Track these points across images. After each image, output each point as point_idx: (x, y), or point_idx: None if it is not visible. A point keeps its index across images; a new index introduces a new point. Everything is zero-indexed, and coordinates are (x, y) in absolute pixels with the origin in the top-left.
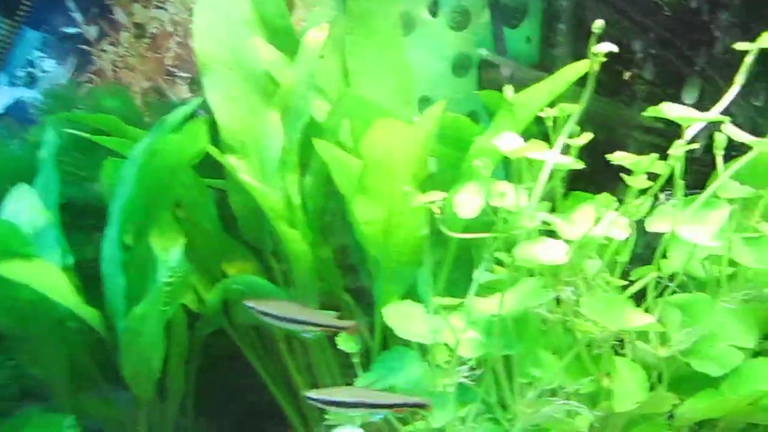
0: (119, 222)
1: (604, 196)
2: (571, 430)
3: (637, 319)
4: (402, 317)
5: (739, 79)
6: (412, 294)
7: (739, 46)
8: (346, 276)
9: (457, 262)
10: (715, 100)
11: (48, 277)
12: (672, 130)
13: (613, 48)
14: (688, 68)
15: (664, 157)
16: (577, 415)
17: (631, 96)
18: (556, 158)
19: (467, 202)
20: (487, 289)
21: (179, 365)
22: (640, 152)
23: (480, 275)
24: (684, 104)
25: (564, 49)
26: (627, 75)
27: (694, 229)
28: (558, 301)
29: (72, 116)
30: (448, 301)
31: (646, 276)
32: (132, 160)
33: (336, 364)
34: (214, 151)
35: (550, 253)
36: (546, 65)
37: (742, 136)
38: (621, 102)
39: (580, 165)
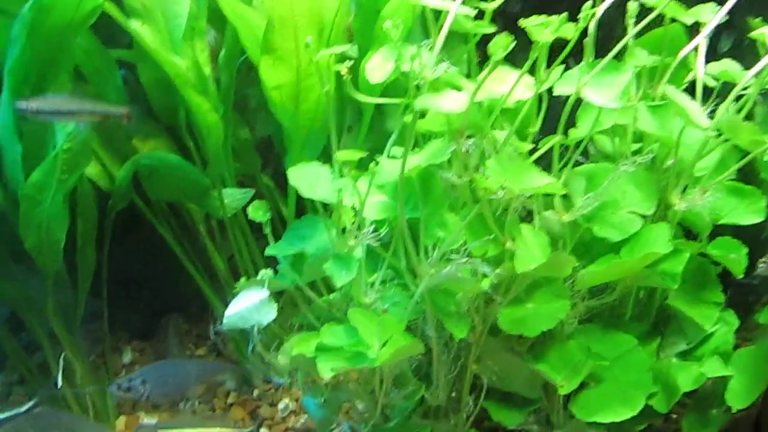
0: (11, 86)
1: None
2: (474, 290)
3: (540, 180)
4: (306, 177)
5: None
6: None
7: None
8: (267, 162)
9: (371, 130)
10: None
11: None
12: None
13: None
14: None
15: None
16: (481, 276)
17: None
18: (457, 7)
19: (378, 67)
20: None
21: (89, 243)
22: None
23: (392, 141)
24: None
25: None
26: None
27: (598, 91)
28: (466, 167)
29: None
30: (348, 155)
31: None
32: (21, 18)
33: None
34: (114, 11)
35: (452, 103)
36: None
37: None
38: None
39: (489, 28)
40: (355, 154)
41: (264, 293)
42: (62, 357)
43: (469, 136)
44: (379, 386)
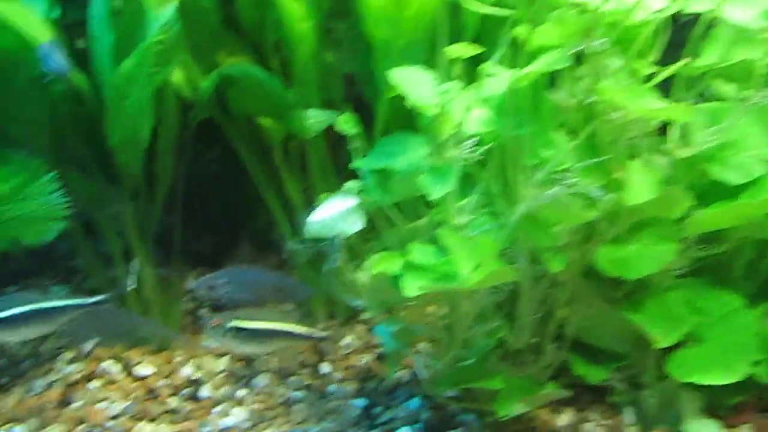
0: None
1: None
2: (579, 219)
3: (658, 104)
4: (411, 79)
5: None
6: None
7: None
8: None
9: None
10: None
11: (32, 24)
12: None
13: None
14: None
15: None
16: (585, 202)
17: None
18: None
19: None
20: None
21: (169, 152)
22: None
23: (499, 54)
24: None
25: None
26: None
27: (740, 7)
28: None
29: None
30: (460, 50)
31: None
32: None
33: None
34: None
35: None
36: None
37: None
38: None
39: None
40: (467, 50)
41: (351, 201)
42: (135, 261)
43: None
44: (461, 319)
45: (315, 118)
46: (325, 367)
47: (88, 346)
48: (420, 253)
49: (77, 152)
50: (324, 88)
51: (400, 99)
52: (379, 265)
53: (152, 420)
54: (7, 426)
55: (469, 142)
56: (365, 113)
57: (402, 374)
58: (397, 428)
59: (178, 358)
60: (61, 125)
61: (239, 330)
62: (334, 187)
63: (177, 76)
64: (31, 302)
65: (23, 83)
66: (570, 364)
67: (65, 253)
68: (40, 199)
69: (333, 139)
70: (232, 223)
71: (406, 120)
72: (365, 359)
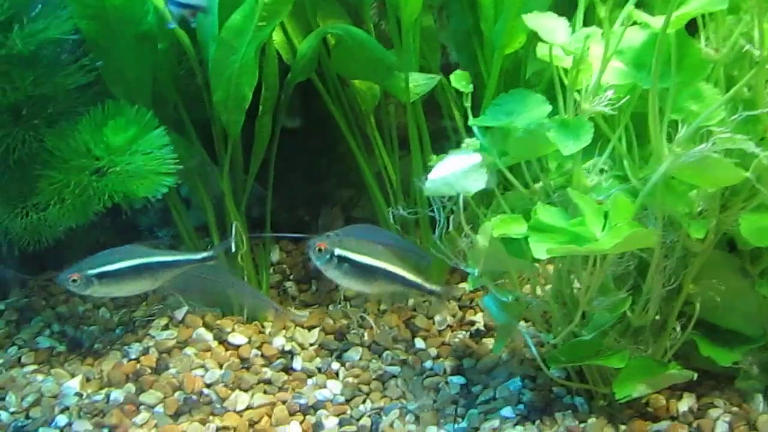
0: None
1: None
2: (726, 179)
3: None
4: (545, 22)
5: None
6: None
7: None
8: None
9: None
10: None
11: None
12: None
13: None
14: None
15: None
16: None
17: None
18: None
19: None
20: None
21: (268, 113)
22: None
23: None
24: None
25: None
26: None
27: None
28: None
29: None
30: None
31: None
32: None
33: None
34: None
35: None
36: None
37: None
38: None
39: None
40: None
41: (475, 158)
42: (234, 225)
43: None
44: (584, 289)
45: (416, 82)
46: (419, 343)
47: (180, 313)
48: (548, 214)
49: (177, 114)
50: (422, 50)
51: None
52: (500, 227)
53: (247, 389)
54: (105, 390)
55: (606, 94)
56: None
57: (501, 353)
58: (499, 408)
59: (269, 329)
60: (162, 86)
61: (345, 260)
62: (429, 154)
63: (276, 38)
64: (139, 256)
65: (128, 41)
66: (694, 345)
67: (153, 222)
68: (151, 153)
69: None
70: (317, 195)
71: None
72: (460, 336)
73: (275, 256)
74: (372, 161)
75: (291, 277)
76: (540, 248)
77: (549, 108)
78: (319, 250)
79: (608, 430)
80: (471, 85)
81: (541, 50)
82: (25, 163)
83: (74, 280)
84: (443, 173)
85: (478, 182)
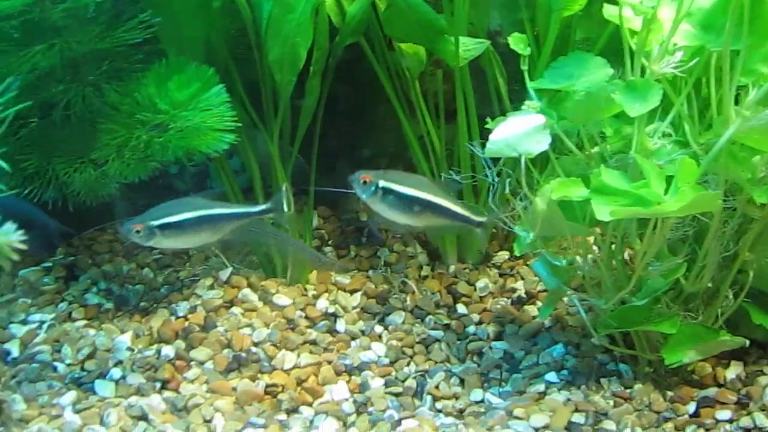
0: None
1: None
2: None
3: None
4: None
5: None
6: None
7: None
8: None
9: None
10: None
11: None
12: None
13: None
14: None
15: None
16: None
17: None
18: None
19: None
20: None
21: (317, 74)
22: None
23: None
24: None
25: None
26: None
27: None
28: None
29: None
30: None
31: None
32: None
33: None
34: None
35: None
36: None
37: None
38: None
39: None
40: None
41: (539, 119)
42: (285, 186)
43: None
44: (641, 254)
45: (466, 46)
46: (461, 309)
47: (225, 274)
48: (611, 176)
49: (227, 75)
50: (469, 18)
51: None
52: (560, 190)
53: (293, 349)
54: (156, 346)
55: (676, 56)
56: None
57: (543, 320)
58: (543, 374)
59: (312, 292)
60: (214, 46)
61: (390, 192)
62: (473, 121)
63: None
64: (200, 208)
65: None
66: (743, 313)
67: (189, 187)
68: (210, 109)
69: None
70: (354, 162)
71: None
72: (501, 303)
73: (314, 222)
74: (415, 127)
75: (329, 242)
76: (603, 210)
77: (611, 71)
78: (364, 182)
79: (655, 396)
80: (528, 48)
81: (609, 11)
82: (86, 119)
83: (137, 231)
84: (505, 134)
85: (541, 144)
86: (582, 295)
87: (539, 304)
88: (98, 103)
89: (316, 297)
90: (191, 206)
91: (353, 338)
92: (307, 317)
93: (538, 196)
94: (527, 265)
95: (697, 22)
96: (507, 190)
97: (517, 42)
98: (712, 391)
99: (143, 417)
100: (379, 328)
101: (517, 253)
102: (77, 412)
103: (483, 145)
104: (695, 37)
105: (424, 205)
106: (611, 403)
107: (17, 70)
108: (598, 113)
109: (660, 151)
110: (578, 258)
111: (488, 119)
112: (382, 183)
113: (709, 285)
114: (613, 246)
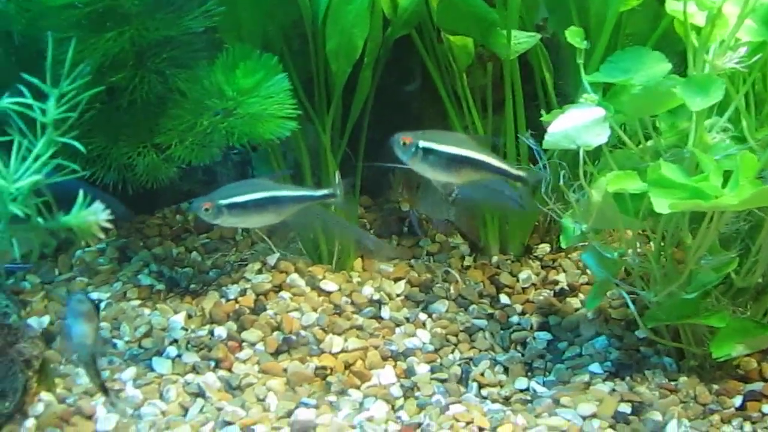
0: None
1: None
2: None
3: None
4: None
5: None
6: None
7: None
8: None
9: None
10: None
11: None
12: None
13: None
14: None
15: None
16: None
17: None
18: None
19: None
20: None
21: (370, 65)
22: None
23: None
24: None
25: None
26: None
27: None
28: None
29: None
30: None
31: None
32: None
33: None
34: None
35: None
36: None
37: None
38: None
39: None
40: None
41: (599, 111)
42: (337, 174)
43: None
44: (695, 247)
45: (517, 39)
46: (504, 299)
47: (273, 259)
48: (670, 169)
49: (285, 66)
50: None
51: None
52: (616, 182)
53: (341, 333)
54: (208, 326)
55: (739, 51)
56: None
57: (585, 311)
58: (586, 365)
59: (357, 279)
60: (271, 35)
61: (430, 152)
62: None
63: None
64: (267, 189)
65: None
66: None
67: (232, 174)
68: (273, 97)
69: None
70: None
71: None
72: (544, 294)
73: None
74: (461, 119)
75: (371, 232)
76: (662, 203)
77: (669, 66)
78: (404, 143)
79: (700, 389)
80: (585, 42)
81: (672, 6)
82: (150, 104)
83: (206, 209)
84: (564, 126)
85: (600, 136)
86: (630, 287)
87: (581, 296)
88: (162, 89)
89: (361, 284)
90: (258, 187)
91: (398, 325)
92: (353, 303)
93: (593, 188)
94: (569, 258)
95: (759, 17)
96: (561, 182)
97: (573, 35)
98: (758, 386)
99: (200, 394)
100: (423, 316)
101: (563, 245)
102: (138, 387)
103: (532, 137)
104: (758, 33)
105: (464, 161)
106: (656, 394)
107: (89, 56)
108: (655, 107)
109: (717, 146)
110: (629, 251)
111: (543, 112)
112: (422, 143)
113: (759, 280)
114: (663, 240)
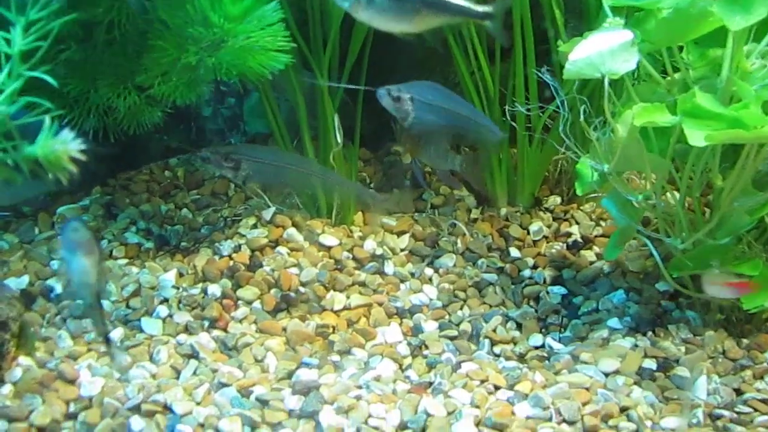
0: None
1: None
2: None
3: None
4: None
5: None
6: None
7: None
8: None
9: None
10: None
11: None
12: None
13: None
14: None
15: None
16: None
17: None
18: None
19: None
20: None
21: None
22: None
23: None
24: None
25: None
26: None
27: None
28: None
29: None
30: None
31: None
32: None
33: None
34: None
35: None
36: None
37: None
38: None
39: None
40: None
41: (626, 35)
42: (336, 118)
43: None
44: (728, 190)
45: None
46: (514, 252)
47: (268, 213)
48: (706, 99)
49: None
50: None
51: None
52: (644, 115)
53: (342, 290)
54: (201, 285)
55: None
56: None
57: (601, 264)
58: (604, 320)
59: (358, 233)
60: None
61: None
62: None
63: None
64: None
65: None
66: None
67: (222, 128)
68: (264, 29)
69: None
70: None
71: None
72: (557, 247)
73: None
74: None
75: (371, 185)
76: (697, 135)
77: None
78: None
79: (729, 344)
80: None
81: None
82: (130, 40)
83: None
84: (588, 52)
85: (628, 62)
86: (654, 234)
87: (596, 249)
88: (143, 23)
89: (363, 238)
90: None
91: (402, 281)
92: (354, 258)
93: (619, 122)
94: (581, 209)
95: None
96: (581, 119)
97: None
98: None
99: (194, 355)
100: (429, 271)
101: (579, 192)
102: (126, 349)
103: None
104: None
105: (419, 2)
106: (682, 349)
107: None
108: (685, 34)
109: (755, 74)
110: (654, 194)
111: (559, 42)
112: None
113: None
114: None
